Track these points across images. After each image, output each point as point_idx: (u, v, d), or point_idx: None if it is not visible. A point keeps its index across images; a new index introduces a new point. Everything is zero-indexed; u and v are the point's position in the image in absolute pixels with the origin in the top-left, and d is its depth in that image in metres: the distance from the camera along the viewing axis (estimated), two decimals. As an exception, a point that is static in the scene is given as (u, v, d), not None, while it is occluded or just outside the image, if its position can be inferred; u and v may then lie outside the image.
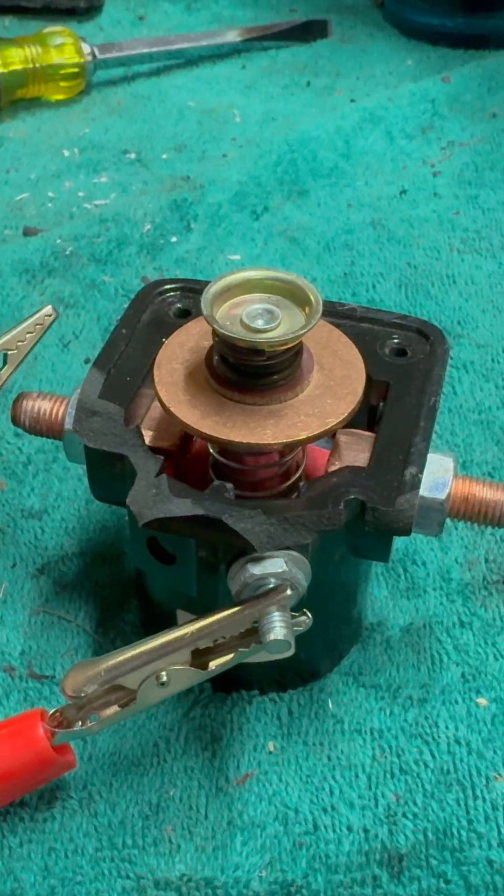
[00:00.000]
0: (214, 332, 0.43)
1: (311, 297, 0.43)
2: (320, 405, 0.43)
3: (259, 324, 0.42)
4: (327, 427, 0.43)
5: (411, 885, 0.43)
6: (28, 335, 0.47)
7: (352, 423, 0.44)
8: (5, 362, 0.48)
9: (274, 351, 0.42)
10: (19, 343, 0.47)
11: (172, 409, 0.43)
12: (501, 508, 0.44)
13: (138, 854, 0.44)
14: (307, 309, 0.43)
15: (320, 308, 0.43)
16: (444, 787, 0.46)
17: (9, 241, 0.79)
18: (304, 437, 0.42)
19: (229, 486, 0.43)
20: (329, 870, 0.44)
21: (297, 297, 0.44)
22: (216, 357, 0.44)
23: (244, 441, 0.42)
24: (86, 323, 0.71)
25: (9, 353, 0.48)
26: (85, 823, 0.45)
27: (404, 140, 0.90)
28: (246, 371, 0.43)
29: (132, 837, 0.45)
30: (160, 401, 0.44)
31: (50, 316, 0.48)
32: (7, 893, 0.43)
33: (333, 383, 0.44)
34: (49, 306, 0.48)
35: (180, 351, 0.46)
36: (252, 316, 0.43)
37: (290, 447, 0.44)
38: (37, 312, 0.48)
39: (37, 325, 0.48)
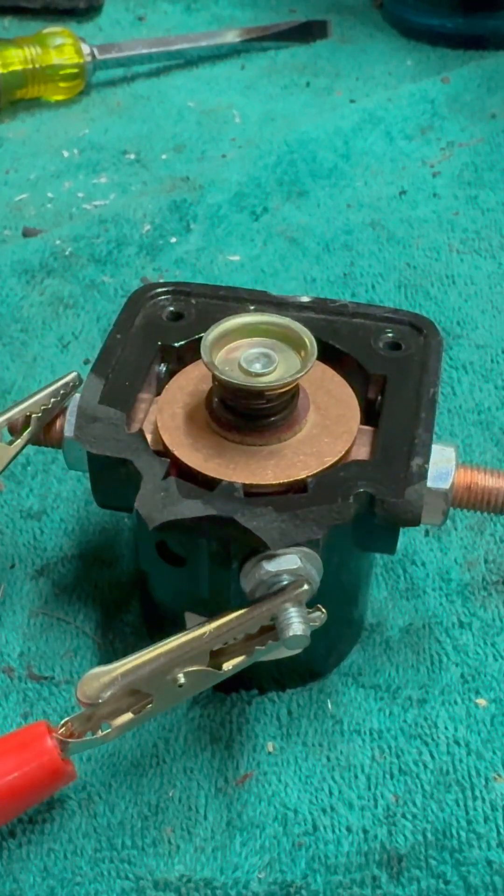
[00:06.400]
0: (214, 378, 0.44)
1: (306, 340, 0.45)
2: (318, 444, 0.45)
3: (257, 367, 0.44)
4: (325, 465, 0.44)
5: (410, 885, 0.43)
6: (52, 400, 0.48)
7: None
8: (28, 424, 0.48)
9: (272, 393, 0.44)
10: (43, 407, 0.47)
11: (176, 453, 0.44)
12: None
13: (137, 855, 0.44)
14: (302, 352, 0.45)
15: (315, 351, 0.44)
16: (443, 788, 0.46)
17: (8, 241, 0.79)
18: (304, 475, 0.43)
19: (238, 484, 0.43)
20: (328, 870, 0.44)
21: (291, 340, 0.45)
22: (216, 400, 0.45)
23: (247, 482, 0.43)
24: (85, 323, 0.71)
25: (33, 415, 0.47)
26: (84, 824, 0.45)
27: (404, 140, 0.90)
28: (245, 413, 0.45)
29: (131, 838, 0.45)
30: (164, 446, 0.45)
31: (75, 384, 0.48)
32: (6, 894, 0.43)
33: (329, 422, 0.46)
34: (75, 373, 0.48)
35: (180, 395, 0.47)
36: (249, 360, 0.44)
37: (290, 486, 0.44)
38: (62, 378, 0.48)
39: (61, 391, 0.48)
